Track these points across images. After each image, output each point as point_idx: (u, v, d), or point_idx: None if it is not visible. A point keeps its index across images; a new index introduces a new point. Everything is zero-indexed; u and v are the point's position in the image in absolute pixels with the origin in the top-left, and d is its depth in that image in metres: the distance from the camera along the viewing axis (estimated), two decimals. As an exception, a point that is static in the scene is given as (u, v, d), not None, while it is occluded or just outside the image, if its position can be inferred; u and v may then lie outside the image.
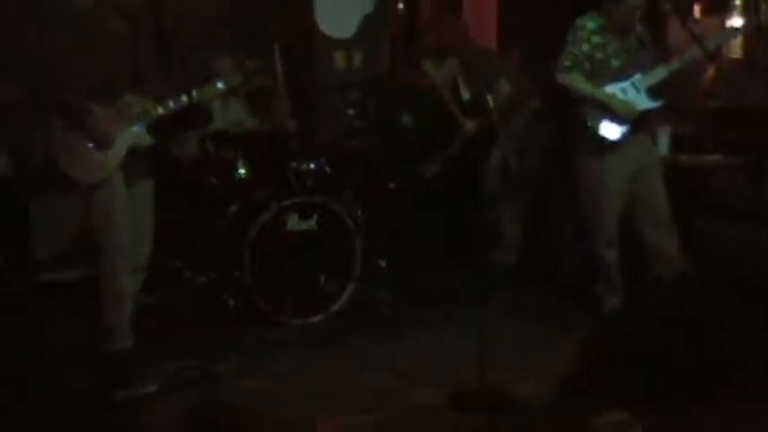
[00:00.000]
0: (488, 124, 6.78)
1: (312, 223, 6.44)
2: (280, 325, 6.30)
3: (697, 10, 8.94)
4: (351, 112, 7.52)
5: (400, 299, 6.90)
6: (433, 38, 8.05)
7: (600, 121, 6.05)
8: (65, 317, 6.39)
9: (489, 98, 5.90)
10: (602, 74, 6.08)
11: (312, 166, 6.81)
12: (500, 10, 10.14)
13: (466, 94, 7.58)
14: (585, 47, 6.09)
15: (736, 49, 8.37)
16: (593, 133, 6.06)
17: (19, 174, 7.05)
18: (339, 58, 8.92)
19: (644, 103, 6.05)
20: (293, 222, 6.39)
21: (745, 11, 8.35)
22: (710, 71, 7.70)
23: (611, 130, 6.04)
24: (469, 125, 7.49)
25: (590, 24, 6.12)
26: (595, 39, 6.09)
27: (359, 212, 6.96)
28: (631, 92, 6.05)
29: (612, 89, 6.04)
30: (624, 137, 6.04)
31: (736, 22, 8.17)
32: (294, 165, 6.74)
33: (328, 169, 6.89)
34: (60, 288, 6.94)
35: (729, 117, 7.32)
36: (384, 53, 9.22)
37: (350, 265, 6.54)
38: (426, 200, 7.68)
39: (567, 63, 6.12)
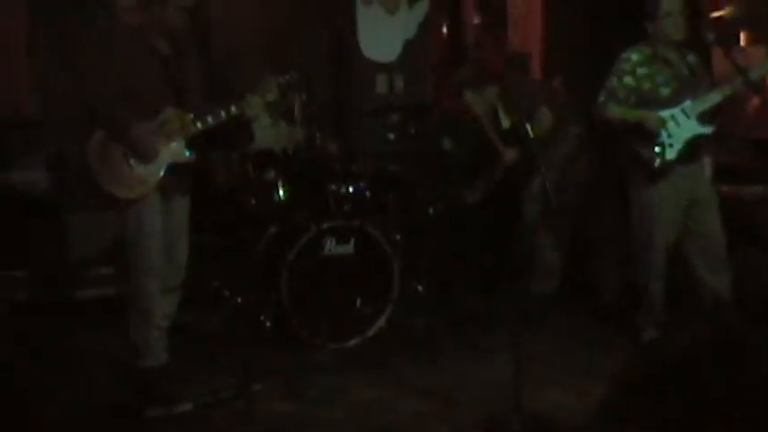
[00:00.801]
0: (528, 153, 6.76)
1: (350, 247, 6.44)
2: (316, 347, 6.28)
3: (743, 38, 8.89)
4: (391, 136, 7.52)
5: (438, 322, 6.87)
6: (473, 66, 8.04)
7: (647, 149, 6.01)
8: (102, 332, 6.41)
9: (528, 127, 5.87)
10: (651, 103, 6.05)
11: (351, 189, 6.81)
12: (545, 35, 10.14)
13: (506, 123, 7.55)
14: (628, 79, 6.08)
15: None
16: (643, 161, 6.03)
17: (56, 189, 7.10)
18: (381, 82, 8.93)
19: (694, 129, 5.98)
20: (331, 245, 6.39)
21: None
22: (755, 101, 7.65)
23: (658, 156, 6.01)
24: (509, 154, 7.46)
25: (634, 56, 6.11)
26: (641, 70, 6.08)
27: (397, 236, 6.94)
28: (681, 118, 5.99)
29: (662, 116, 5.99)
30: (673, 162, 6.00)
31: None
32: (333, 188, 6.74)
33: (368, 193, 6.88)
34: (97, 303, 6.97)
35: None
36: (426, 78, 9.22)
37: (387, 289, 6.52)
38: (465, 224, 7.65)
39: (602, 98, 6.14)
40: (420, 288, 7.13)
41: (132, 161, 5.21)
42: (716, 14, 8.97)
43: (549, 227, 7.31)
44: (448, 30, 10.02)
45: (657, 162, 5.99)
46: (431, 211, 7.51)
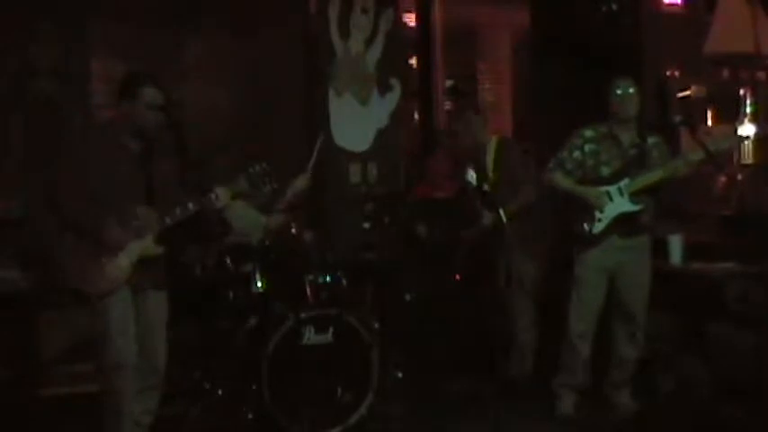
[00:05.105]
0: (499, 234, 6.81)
1: (328, 336, 6.45)
2: (298, 438, 6.27)
3: (710, 117, 9.04)
4: (366, 225, 7.59)
5: (418, 409, 6.89)
6: (446, 153, 8.15)
7: (579, 221, 6.34)
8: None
9: (501, 211, 6.06)
10: (591, 179, 6.38)
11: (328, 278, 6.85)
12: (516, 120, 10.31)
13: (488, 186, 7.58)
14: (577, 153, 6.44)
15: (748, 155, 8.44)
16: (575, 232, 6.37)
17: (30, 287, 7.09)
18: (354, 172, 8.99)
19: (624, 206, 6.28)
20: (310, 335, 6.41)
21: (756, 118, 8.44)
22: (721, 179, 7.78)
23: (591, 226, 6.31)
24: (487, 218, 7.38)
25: (588, 133, 6.44)
26: (589, 146, 6.41)
27: (375, 324, 6.97)
28: (616, 195, 6.29)
29: (601, 190, 6.31)
30: (599, 235, 6.30)
31: (748, 128, 8.25)
32: (311, 277, 6.79)
33: (344, 281, 6.93)
34: (74, 401, 6.94)
35: (742, 224, 7.34)
36: (399, 166, 9.29)
37: (367, 377, 6.52)
38: (442, 309, 7.69)
39: (551, 165, 6.52)
40: (399, 375, 7.17)
41: (102, 258, 5.25)
42: (682, 94, 9.13)
43: (522, 307, 7.34)
44: (419, 116, 10.14)
45: (587, 234, 6.30)
46: (407, 297, 7.57)
